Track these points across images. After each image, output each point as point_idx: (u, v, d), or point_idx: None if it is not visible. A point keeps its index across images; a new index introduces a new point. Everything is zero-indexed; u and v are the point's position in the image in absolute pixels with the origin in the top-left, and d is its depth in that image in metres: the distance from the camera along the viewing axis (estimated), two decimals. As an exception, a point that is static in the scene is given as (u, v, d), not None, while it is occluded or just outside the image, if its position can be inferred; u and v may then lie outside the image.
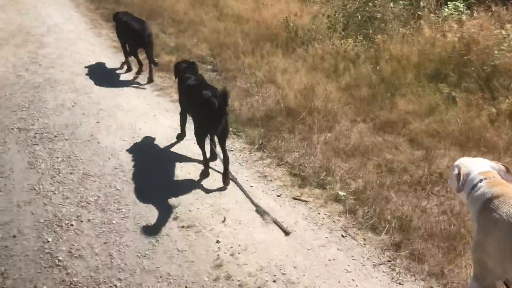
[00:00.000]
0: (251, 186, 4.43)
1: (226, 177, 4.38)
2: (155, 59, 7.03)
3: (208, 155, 4.61)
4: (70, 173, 4.63)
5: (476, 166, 2.72)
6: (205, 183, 4.52)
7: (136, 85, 6.91)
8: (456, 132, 5.06)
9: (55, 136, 5.32)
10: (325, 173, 4.53)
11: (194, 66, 5.18)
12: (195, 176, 4.62)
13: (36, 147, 5.11)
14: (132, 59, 7.46)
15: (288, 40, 8.05)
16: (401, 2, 7.92)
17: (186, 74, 4.93)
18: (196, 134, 4.62)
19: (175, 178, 4.62)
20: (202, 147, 4.54)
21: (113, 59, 8.03)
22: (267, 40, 8.15)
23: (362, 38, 7.20)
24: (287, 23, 8.14)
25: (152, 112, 5.98)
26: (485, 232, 2.52)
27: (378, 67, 6.55)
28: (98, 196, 4.28)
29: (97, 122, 5.66)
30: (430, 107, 5.65)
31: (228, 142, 5.18)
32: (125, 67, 7.54)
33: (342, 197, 4.16)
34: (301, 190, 4.36)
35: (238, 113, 5.91)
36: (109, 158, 4.88)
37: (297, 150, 5.05)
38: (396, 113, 5.63)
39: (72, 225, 3.92)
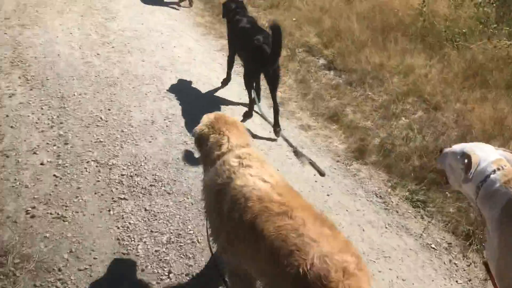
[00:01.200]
0: None
1: (277, 126, 4.06)
2: None
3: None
4: (186, 275, 2.69)
5: (487, 154, 2.02)
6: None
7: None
8: None
9: (151, 185, 3.33)
10: None
11: (244, 6, 4.62)
12: None
13: (125, 204, 3.16)
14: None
15: (423, 32, 5.77)
16: None
17: (237, 15, 4.39)
18: (245, 76, 4.17)
19: None
20: (249, 90, 4.16)
21: (203, 43, 5.88)
22: (395, 30, 5.88)
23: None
24: (421, 9, 5.83)
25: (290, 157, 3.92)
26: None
27: None
28: None
29: (208, 162, 3.64)
30: None
31: (418, 230, 3.17)
32: None
33: None
34: None
35: (394, 155, 3.84)
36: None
37: None
38: None
39: None
